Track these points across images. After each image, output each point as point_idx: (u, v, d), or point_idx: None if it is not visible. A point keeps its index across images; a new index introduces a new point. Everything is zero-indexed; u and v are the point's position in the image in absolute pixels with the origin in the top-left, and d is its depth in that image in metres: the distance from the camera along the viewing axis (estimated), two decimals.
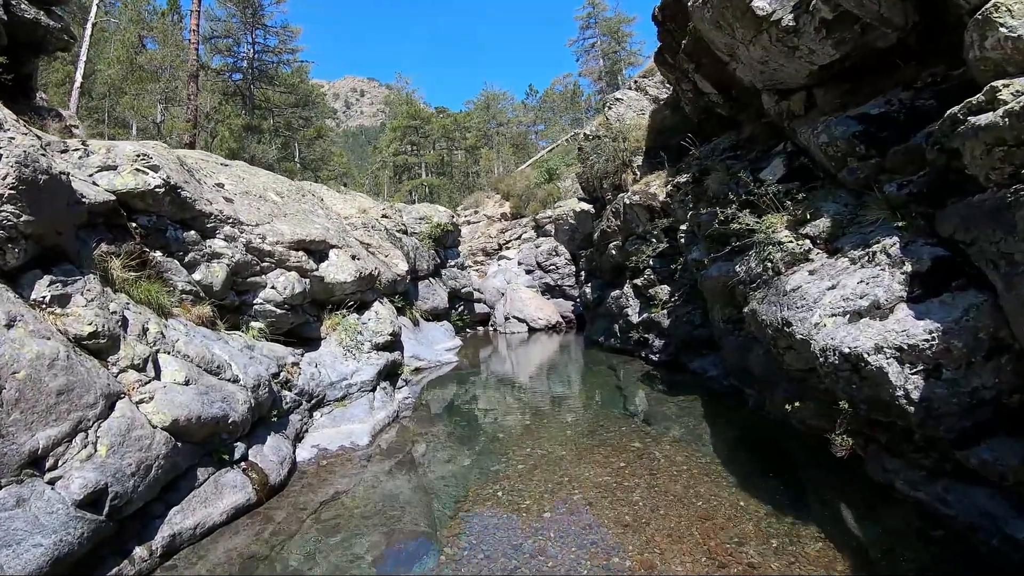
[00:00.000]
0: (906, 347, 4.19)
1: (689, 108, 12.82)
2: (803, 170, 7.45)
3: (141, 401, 5.66)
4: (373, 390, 9.47)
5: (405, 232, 20.90)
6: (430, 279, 21.12)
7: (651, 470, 6.36)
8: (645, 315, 13.37)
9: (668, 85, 16.01)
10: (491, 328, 24.84)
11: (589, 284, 18.57)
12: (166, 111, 37.64)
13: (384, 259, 17.45)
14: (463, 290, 23.54)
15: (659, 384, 10.89)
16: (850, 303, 4.82)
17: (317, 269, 10.15)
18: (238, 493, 6.06)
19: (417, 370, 14.21)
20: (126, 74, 35.99)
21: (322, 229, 10.71)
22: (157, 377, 6.03)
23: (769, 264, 6.36)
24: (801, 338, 5.08)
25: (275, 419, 7.42)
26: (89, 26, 24.78)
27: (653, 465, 6.51)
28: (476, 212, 40.57)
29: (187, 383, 6.12)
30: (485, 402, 10.96)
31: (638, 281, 13.80)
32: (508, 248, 32.93)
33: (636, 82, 18.81)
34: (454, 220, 24.56)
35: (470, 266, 31.16)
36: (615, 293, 15.50)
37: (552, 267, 25.48)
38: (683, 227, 10.96)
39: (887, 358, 4.25)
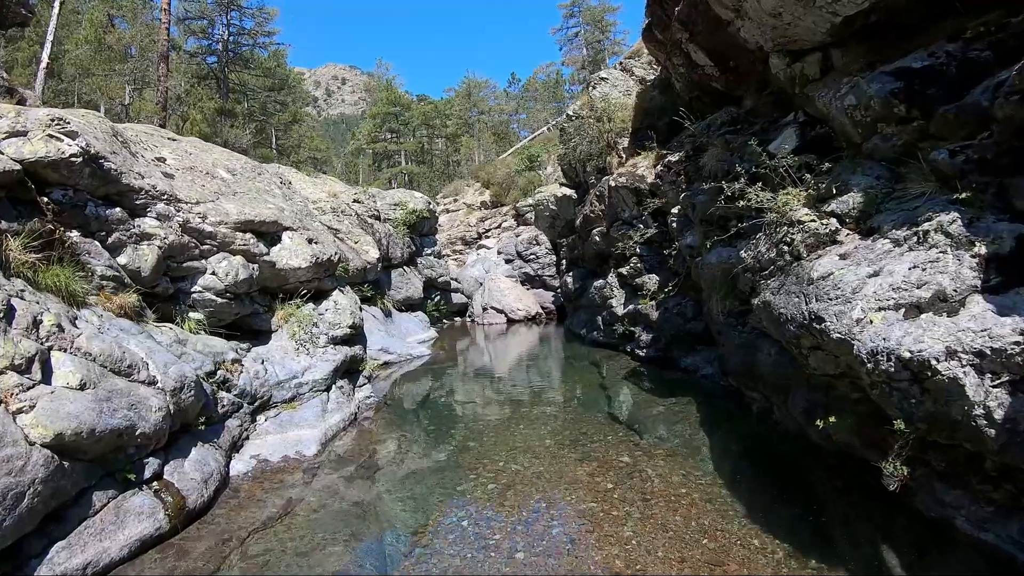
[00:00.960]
0: (988, 351, 3.20)
1: (680, 85, 11.84)
2: (820, 142, 6.45)
3: (20, 411, 4.54)
4: (327, 390, 8.38)
5: (378, 218, 19.81)
6: (404, 268, 20.10)
7: (644, 494, 5.33)
8: (631, 306, 12.40)
9: (655, 66, 15.10)
10: (468, 319, 23.94)
11: (571, 273, 17.56)
12: (138, 94, 36.08)
13: (353, 245, 16.35)
14: (440, 279, 22.56)
15: (647, 383, 9.92)
16: (904, 294, 3.83)
17: (268, 253, 9.02)
18: (145, 521, 4.97)
19: (386, 364, 13.20)
20: (94, 54, 34.48)
21: (275, 209, 9.57)
22: (46, 380, 4.90)
23: (785, 247, 5.36)
24: (837, 337, 4.07)
25: (203, 427, 6.31)
26: (57, 4, 23.30)
27: (646, 487, 5.48)
28: (455, 200, 39.58)
29: (83, 387, 5.01)
30: (456, 402, 9.92)
31: (623, 270, 12.81)
32: (487, 237, 32.08)
33: (622, 63, 17.82)
34: (431, 207, 23.51)
35: (448, 255, 30.26)
36: (598, 283, 14.51)
37: (532, 256, 24.62)
38: (675, 210, 9.98)
39: (962, 365, 3.27)
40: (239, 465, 6.55)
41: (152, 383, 5.84)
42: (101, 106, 33.84)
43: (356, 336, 9.86)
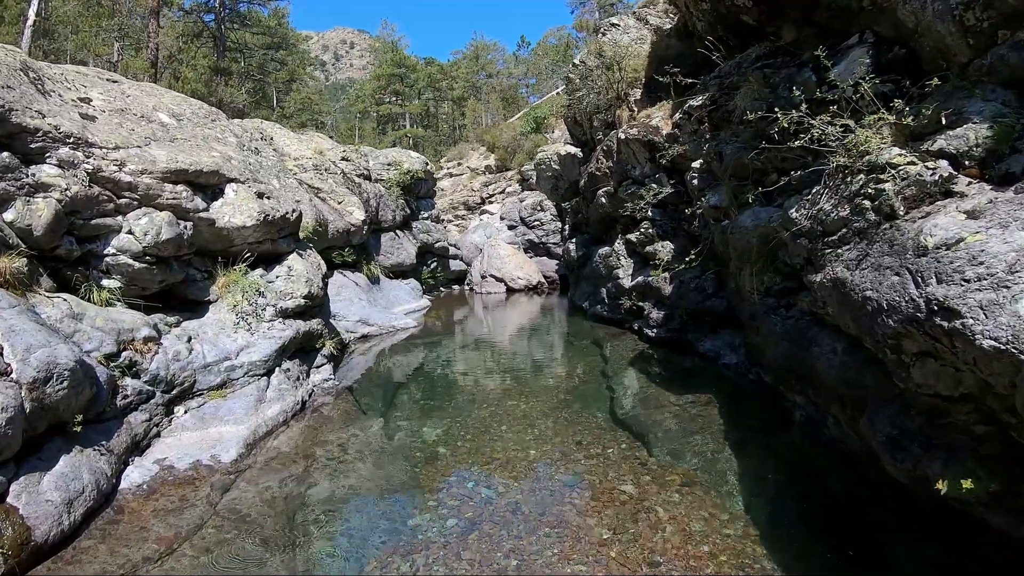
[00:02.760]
0: None
1: (702, 25, 10.13)
2: (900, 66, 4.81)
3: None
4: (268, 374, 6.92)
5: (368, 178, 18.27)
6: (396, 232, 18.63)
7: (653, 552, 3.80)
8: (640, 278, 10.85)
9: (672, 15, 13.45)
10: (467, 287, 22.60)
11: (573, 240, 15.95)
12: (132, 51, 34.32)
13: (336, 206, 14.87)
14: (436, 245, 21.10)
15: (657, 370, 8.43)
16: None
17: (207, 209, 7.50)
18: None
19: (364, 337, 11.82)
20: (83, 9, 32.79)
21: (219, 158, 8.00)
22: None
23: (867, 202, 3.77)
24: (990, 346, 2.48)
25: (79, 427, 4.84)
26: None
27: (655, 542, 3.94)
28: (459, 164, 37.89)
29: None
30: (433, 389, 8.43)
31: (632, 236, 11.20)
32: (491, 202, 30.61)
33: (635, 12, 16.06)
34: (428, 168, 21.90)
35: (450, 220, 28.87)
36: (603, 251, 12.92)
37: (536, 223, 23.05)
38: (696, 164, 8.35)
39: None
40: (136, 474, 5.13)
41: (4, 374, 4.38)
42: (89, 63, 32.21)
43: (315, 308, 8.35)
